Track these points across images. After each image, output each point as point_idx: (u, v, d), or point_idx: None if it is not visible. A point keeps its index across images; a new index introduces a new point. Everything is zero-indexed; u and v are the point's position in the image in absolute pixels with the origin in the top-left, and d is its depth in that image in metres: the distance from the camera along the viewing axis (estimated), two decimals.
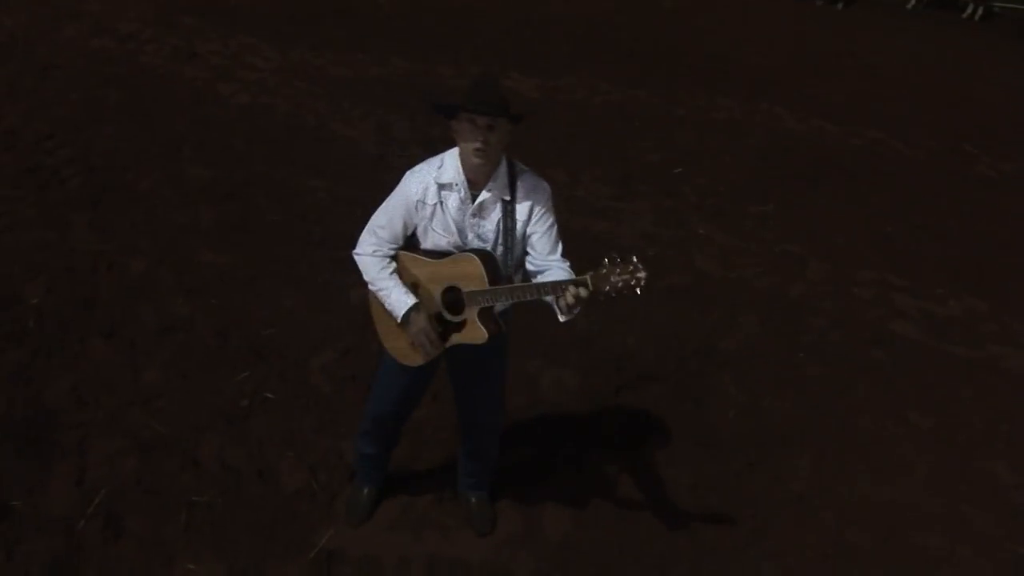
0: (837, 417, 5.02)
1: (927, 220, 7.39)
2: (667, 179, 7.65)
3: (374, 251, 3.42)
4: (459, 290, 3.31)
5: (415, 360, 3.51)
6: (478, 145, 3.15)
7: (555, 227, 3.38)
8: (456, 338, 3.41)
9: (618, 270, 2.96)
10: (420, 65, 9.75)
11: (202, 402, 4.69)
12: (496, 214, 3.31)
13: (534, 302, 3.22)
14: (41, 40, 9.32)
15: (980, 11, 15.25)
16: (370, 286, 3.48)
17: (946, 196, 7.90)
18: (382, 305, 3.47)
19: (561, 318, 3.16)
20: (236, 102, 8.29)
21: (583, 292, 3.01)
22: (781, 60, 11.38)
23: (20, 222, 6.08)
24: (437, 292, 3.38)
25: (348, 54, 9.88)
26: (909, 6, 15.71)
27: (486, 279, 3.24)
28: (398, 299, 3.40)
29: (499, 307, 3.41)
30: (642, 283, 2.95)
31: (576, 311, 3.09)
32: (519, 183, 3.32)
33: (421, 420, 4.53)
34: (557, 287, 3.08)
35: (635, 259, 2.96)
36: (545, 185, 3.38)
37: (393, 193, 3.38)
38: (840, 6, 15.18)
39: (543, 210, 3.34)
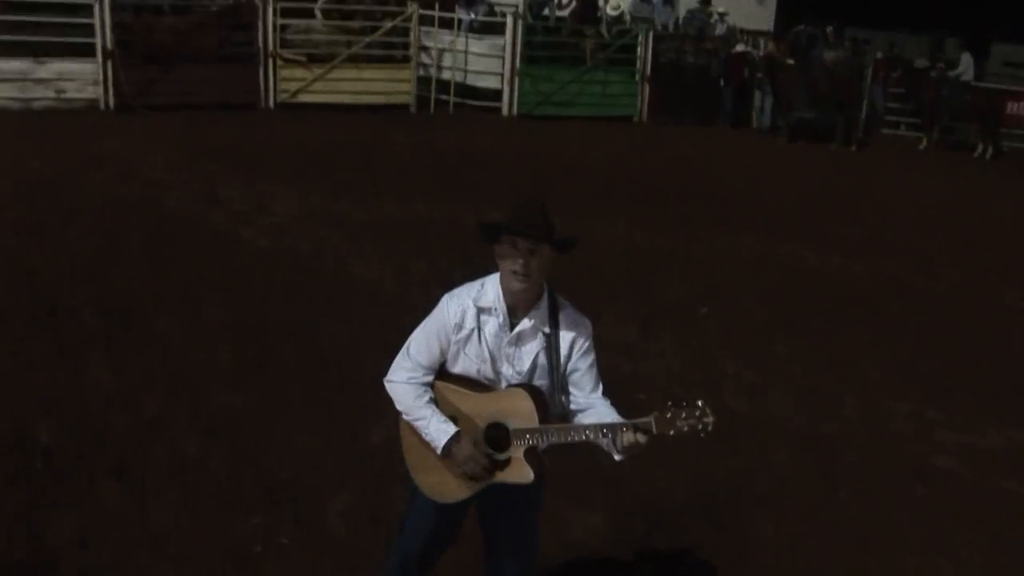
0: (883, 557, 4.73)
1: (957, 352, 7.26)
2: (691, 317, 7.56)
3: (409, 378, 3.25)
4: (505, 427, 3.14)
5: (449, 496, 3.29)
6: (517, 268, 3.06)
7: (596, 365, 3.27)
8: (501, 476, 3.20)
9: (684, 414, 2.93)
10: (439, 209, 9.87)
11: (213, 545, 4.46)
12: (534, 346, 3.19)
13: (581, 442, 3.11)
14: (69, 185, 9.54)
15: (990, 150, 15.57)
16: (405, 416, 3.28)
17: (973, 327, 7.80)
18: (416, 436, 3.27)
19: (617, 457, 3.05)
20: (256, 245, 8.35)
21: (644, 436, 2.95)
22: (799, 199, 11.51)
23: (35, 360, 6.01)
24: (480, 428, 3.19)
25: (367, 199, 10.03)
26: (921, 147, 16.04)
27: (536, 416, 3.09)
28: (437, 428, 3.19)
29: (543, 445, 3.23)
30: (709, 428, 2.93)
31: (636, 452, 2.99)
32: (561, 316, 3.22)
33: (441, 564, 4.28)
34: (615, 429, 2.98)
35: (700, 403, 2.95)
36: (586, 321, 3.28)
37: (429, 317, 3.25)
38: (853, 148, 15.50)
39: (585, 345, 3.24)
